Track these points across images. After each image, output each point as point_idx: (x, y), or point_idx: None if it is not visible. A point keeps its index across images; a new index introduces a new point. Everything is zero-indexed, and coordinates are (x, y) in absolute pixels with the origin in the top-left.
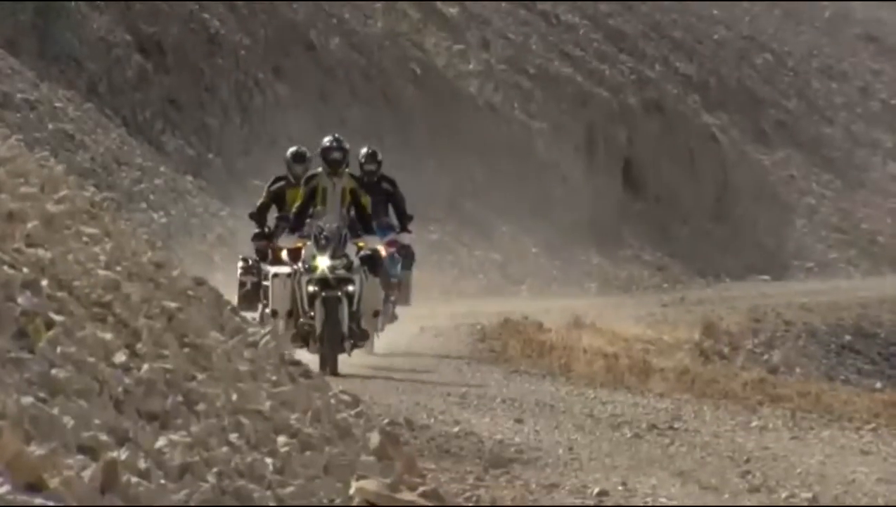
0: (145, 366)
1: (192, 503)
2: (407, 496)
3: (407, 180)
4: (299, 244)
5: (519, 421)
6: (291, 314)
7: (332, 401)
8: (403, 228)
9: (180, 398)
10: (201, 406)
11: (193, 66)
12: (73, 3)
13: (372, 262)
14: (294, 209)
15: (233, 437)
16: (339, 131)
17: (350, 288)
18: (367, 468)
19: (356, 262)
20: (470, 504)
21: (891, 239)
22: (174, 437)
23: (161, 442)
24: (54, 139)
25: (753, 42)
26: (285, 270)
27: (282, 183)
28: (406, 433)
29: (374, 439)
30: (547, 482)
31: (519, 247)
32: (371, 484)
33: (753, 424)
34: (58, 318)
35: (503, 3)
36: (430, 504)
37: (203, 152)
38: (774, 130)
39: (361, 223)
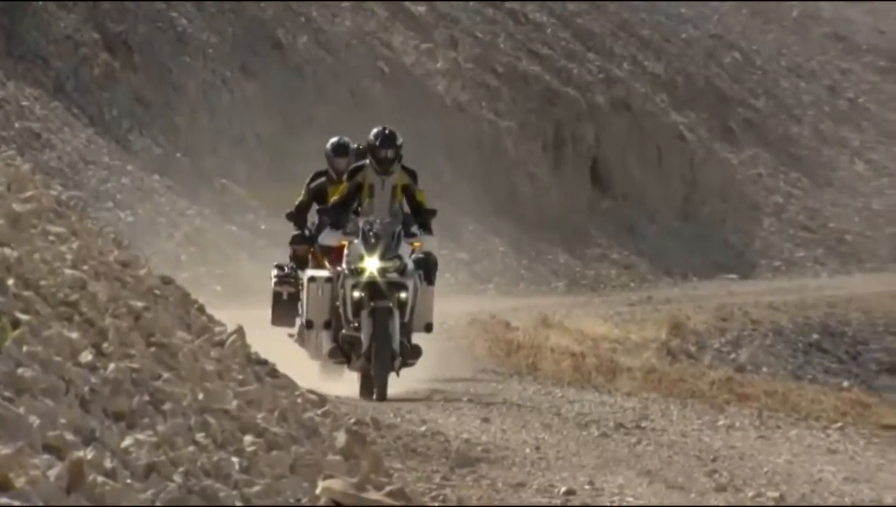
0: (112, 365)
1: (158, 503)
2: (373, 495)
3: None
4: (344, 242)
5: (486, 420)
6: (329, 325)
7: (299, 400)
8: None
9: (147, 398)
10: (168, 405)
11: (161, 64)
12: (40, 1)
13: (427, 266)
14: (334, 201)
15: (199, 436)
16: (306, 130)
17: (403, 295)
18: (334, 467)
19: (410, 265)
20: (436, 504)
21: (858, 238)
22: (140, 436)
23: (127, 441)
24: (21, 138)
25: (721, 41)
26: (323, 273)
27: (322, 179)
28: (373, 433)
29: (341, 438)
30: (514, 481)
31: (486, 245)
32: (337, 483)
33: (720, 423)
34: (24, 317)
35: (471, 2)
36: (396, 504)
37: (170, 151)
38: (742, 129)
39: (418, 220)
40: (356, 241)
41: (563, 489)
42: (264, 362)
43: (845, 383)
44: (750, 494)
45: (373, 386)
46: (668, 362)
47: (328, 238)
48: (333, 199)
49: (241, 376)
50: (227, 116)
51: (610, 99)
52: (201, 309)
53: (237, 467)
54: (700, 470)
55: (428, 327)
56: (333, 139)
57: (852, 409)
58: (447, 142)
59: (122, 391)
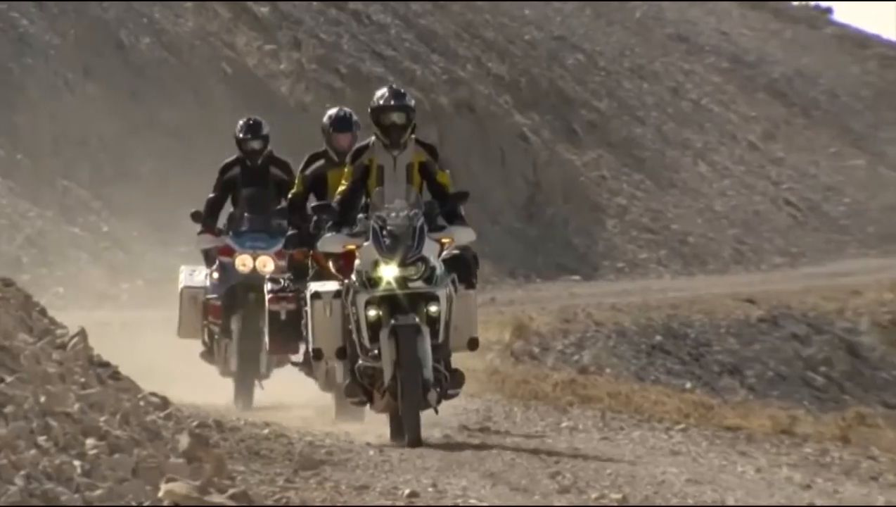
0: None
1: None
2: (216, 498)
3: None
4: (351, 247)
5: (329, 423)
6: (344, 354)
7: (141, 403)
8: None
9: None
10: (9, 408)
11: (2, 65)
12: None
13: (464, 266)
14: (337, 195)
15: (41, 439)
16: (149, 131)
17: (433, 308)
18: (177, 470)
19: (439, 268)
20: (279, 506)
21: (701, 239)
22: None
23: None
24: None
25: (565, 42)
26: (330, 286)
27: (320, 162)
28: (215, 435)
29: (184, 441)
30: (357, 483)
31: None
32: (180, 486)
33: (564, 425)
34: None
35: (314, 3)
36: (239, 506)
37: (11, 153)
38: (585, 131)
39: (444, 208)
40: (366, 243)
41: (407, 491)
42: (107, 365)
43: (688, 385)
44: (593, 496)
45: (402, 429)
46: (511, 364)
47: (330, 243)
48: (340, 189)
49: (83, 379)
50: (69, 117)
51: (453, 100)
52: (43, 312)
53: (79, 470)
54: (543, 472)
55: (472, 344)
56: (332, 111)
57: (695, 410)
58: (291, 143)
59: None
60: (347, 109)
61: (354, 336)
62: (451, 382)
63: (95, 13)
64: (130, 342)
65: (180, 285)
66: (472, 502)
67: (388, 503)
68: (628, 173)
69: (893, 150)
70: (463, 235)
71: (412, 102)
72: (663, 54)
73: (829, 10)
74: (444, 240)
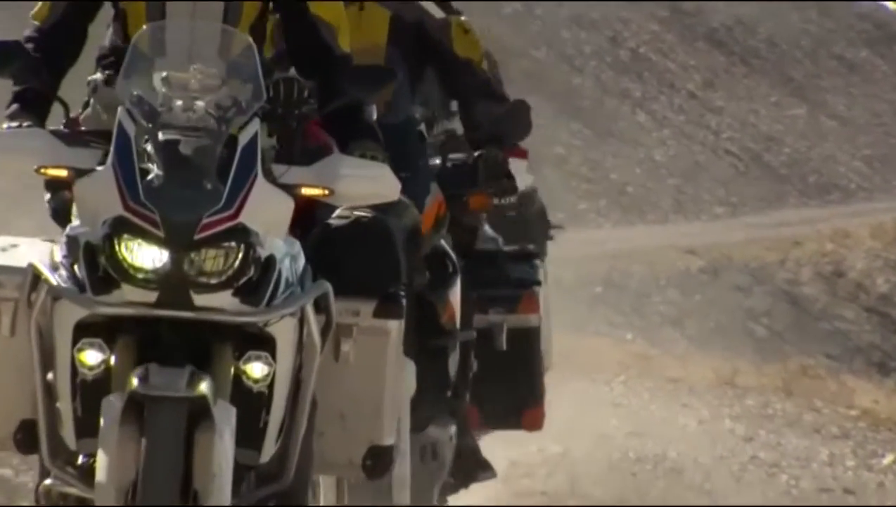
0: None
1: None
2: None
3: None
4: (59, 173)
5: None
6: (31, 442)
7: None
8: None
9: None
10: None
11: None
12: None
13: (384, 258)
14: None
15: None
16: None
17: (256, 370)
18: None
19: (290, 261)
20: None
21: (639, 189)
22: None
23: None
24: None
25: None
26: (12, 273)
27: None
28: None
29: None
30: None
31: None
32: None
33: None
34: None
35: None
36: None
37: None
38: (523, 80)
39: (323, 93)
40: (101, 168)
41: None
42: None
43: (629, 336)
44: (533, 449)
45: None
46: None
47: (12, 149)
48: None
49: None
50: None
51: None
52: None
53: None
54: None
55: (376, 461)
56: None
57: (635, 362)
58: None
59: None
60: None
61: (40, 404)
62: None
63: None
64: None
65: None
66: None
67: None
68: (566, 122)
69: (834, 98)
70: (361, 181)
71: None
72: (601, 2)
73: None
74: (306, 191)
